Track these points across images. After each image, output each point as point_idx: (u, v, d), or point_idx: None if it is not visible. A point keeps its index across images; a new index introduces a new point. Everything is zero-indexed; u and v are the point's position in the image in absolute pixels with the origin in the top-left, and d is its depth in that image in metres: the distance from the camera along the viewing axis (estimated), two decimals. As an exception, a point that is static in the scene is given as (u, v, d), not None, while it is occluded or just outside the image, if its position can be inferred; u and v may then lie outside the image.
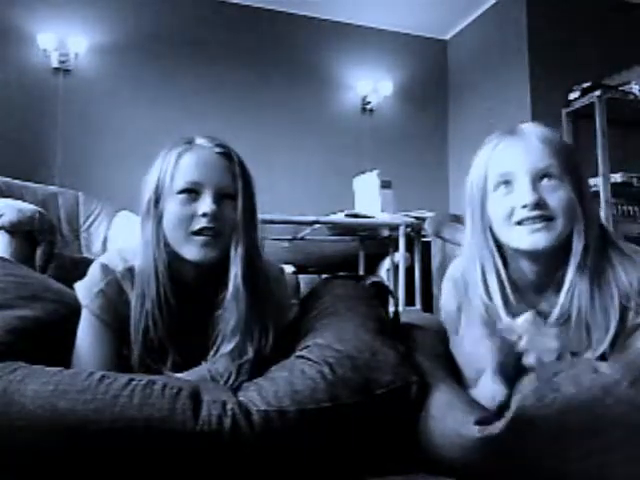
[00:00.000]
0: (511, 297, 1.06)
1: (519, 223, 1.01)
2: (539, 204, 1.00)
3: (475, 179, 1.09)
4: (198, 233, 1.08)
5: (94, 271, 1.15)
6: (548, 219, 1.00)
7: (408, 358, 1.08)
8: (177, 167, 1.12)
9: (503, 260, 1.08)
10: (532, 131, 1.07)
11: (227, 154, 1.14)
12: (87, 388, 0.90)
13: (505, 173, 1.04)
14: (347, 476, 0.94)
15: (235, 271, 1.10)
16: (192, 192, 1.10)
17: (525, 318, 1.00)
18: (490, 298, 1.06)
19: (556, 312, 1.04)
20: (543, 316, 1.05)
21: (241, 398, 0.95)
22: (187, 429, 0.88)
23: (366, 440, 0.97)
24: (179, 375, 1.06)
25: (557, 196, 1.01)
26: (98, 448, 0.87)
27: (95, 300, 1.12)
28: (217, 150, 1.14)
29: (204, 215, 1.08)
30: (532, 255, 1.05)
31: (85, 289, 1.14)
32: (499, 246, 1.08)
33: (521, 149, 1.04)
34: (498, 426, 0.85)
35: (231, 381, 1.05)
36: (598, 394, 0.81)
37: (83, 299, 1.14)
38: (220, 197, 1.11)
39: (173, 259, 1.12)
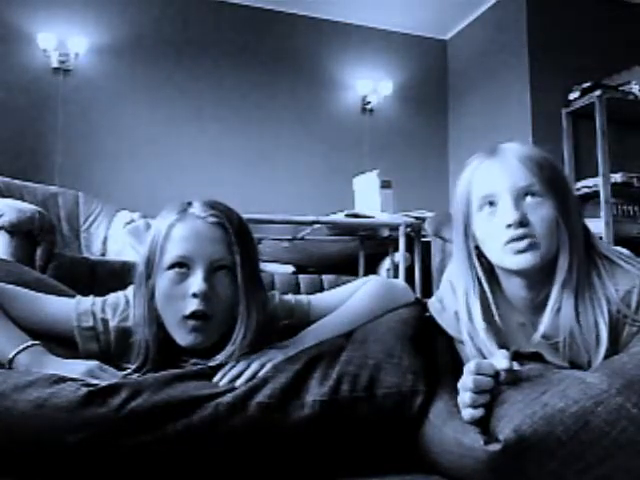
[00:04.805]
0: (498, 320, 1.05)
1: (505, 244, 1.01)
2: (522, 222, 0.99)
3: (458, 201, 1.09)
4: (189, 317, 1.04)
5: (115, 300, 1.15)
6: (532, 238, 1.00)
7: (425, 365, 1.06)
8: (167, 239, 1.06)
9: (496, 279, 1.08)
10: (511, 150, 1.06)
11: (221, 223, 1.07)
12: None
13: (487, 195, 1.04)
14: (345, 474, 0.94)
15: (232, 349, 1.04)
16: (183, 266, 1.05)
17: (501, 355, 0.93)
18: (471, 321, 1.06)
19: (541, 331, 1.03)
20: (546, 338, 1.05)
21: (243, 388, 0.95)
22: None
23: (365, 438, 0.97)
24: None
25: (540, 214, 1.01)
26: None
27: (85, 327, 1.12)
28: (210, 220, 1.07)
29: (194, 295, 1.03)
30: (521, 274, 1.05)
31: (93, 304, 1.14)
32: (490, 265, 1.08)
33: (501, 169, 1.04)
34: (496, 446, 0.83)
35: None
36: (588, 405, 0.81)
37: (82, 304, 1.14)
38: (213, 270, 1.05)
39: (167, 335, 1.08)
